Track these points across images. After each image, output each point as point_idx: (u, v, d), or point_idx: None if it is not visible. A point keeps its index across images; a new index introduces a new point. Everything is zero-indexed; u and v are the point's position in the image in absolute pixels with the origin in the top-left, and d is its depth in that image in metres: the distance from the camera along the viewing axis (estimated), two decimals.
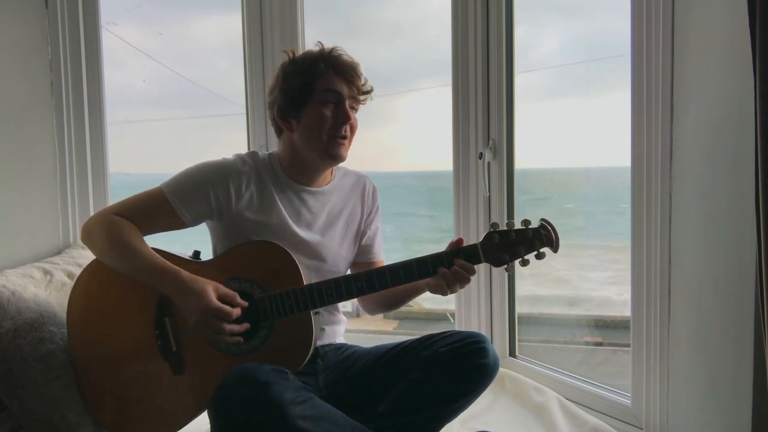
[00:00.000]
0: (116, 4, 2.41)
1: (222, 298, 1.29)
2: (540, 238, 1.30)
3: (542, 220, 1.32)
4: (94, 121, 2.07)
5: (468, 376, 1.36)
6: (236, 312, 1.28)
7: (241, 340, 1.30)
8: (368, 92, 1.48)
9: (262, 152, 1.51)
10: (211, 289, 1.28)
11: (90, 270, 1.42)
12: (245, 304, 1.32)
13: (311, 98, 1.40)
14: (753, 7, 0.97)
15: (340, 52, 1.44)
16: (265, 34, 2.13)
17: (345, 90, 1.42)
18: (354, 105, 1.46)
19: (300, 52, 1.50)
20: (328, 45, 1.45)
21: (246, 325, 1.30)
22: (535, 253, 1.31)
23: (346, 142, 1.45)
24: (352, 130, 1.46)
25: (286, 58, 1.48)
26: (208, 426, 1.23)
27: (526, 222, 1.31)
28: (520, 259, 1.31)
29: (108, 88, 2.09)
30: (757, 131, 0.95)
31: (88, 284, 1.41)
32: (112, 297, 1.39)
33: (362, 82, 1.46)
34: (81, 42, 2.02)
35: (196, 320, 1.27)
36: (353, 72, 1.43)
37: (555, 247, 1.30)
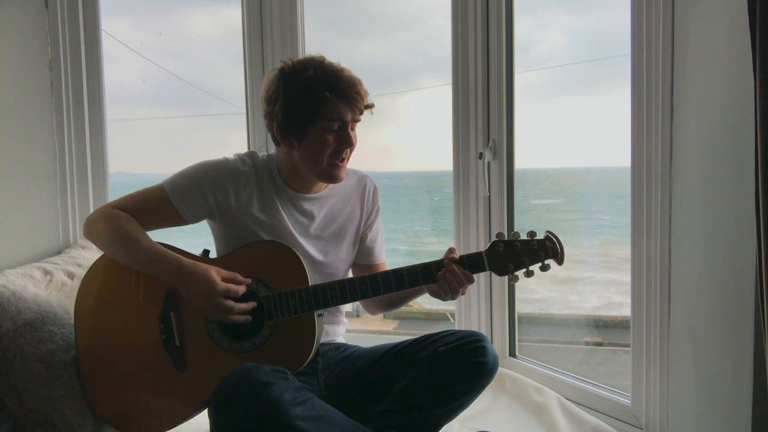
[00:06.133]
0: (116, 3, 2.41)
1: (225, 279, 1.32)
2: (545, 250, 1.30)
3: (548, 232, 1.33)
4: (94, 120, 2.07)
5: (467, 375, 1.36)
6: (242, 289, 1.32)
7: (250, 318, 1.32)
8: (370, 107, 1.43)
9: (261, 153, 1.51)
10: (214, 272, 1.31)
11: (100, 262, 1.43)
12: (248, 281, 1.34)
13: (314, 123, 1.37)
14: (753, 7, 0.97)
15: (343, 72, 1.38)
16: (265, 33, 2.13)
17: (349, 116, 1.38)
18: (355, 126, 1.43)
19: (300, 51, 1.49)
20: (330, 59, 1.41)
21: (253, 303, 1.33)
22: (540, 264, 1.31)
23: (345, 163, 1.44)
24: (351, 150, 1.44)
25: (286, 59, 1.45)
26: (209, 425, 1.24)
27: (531, 233, 1.32)
28: (524, 270, 1.32)
29: (108, 88, 2.10)
30: (757, 131, 0.95)
31: (97, 276, 1.42)
32: (121, 289, 1.40)
33: (365, 102, 1.41)
34: (81, 42, 2.02)
35: (204, 302, 1.29)
36: (357, 95, 1.38)
37: (560, 260, 1.30)
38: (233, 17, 2.22)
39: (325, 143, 1.38)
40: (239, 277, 1.34)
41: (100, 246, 1.41)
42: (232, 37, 2.23)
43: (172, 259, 1.33)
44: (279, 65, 1.42)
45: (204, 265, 1.32)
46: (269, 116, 1.43)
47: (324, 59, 1.41)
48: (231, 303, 1.29)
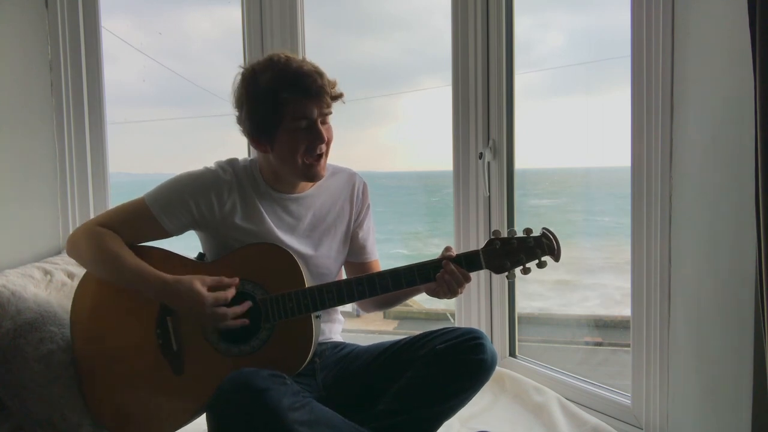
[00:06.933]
0: (116, 2, 2.41)
1: (211, 287, 1.31)
2: (541, 247, 1.30)
3: (544, 228, 1.33)
4: (94, 120, 2.07)
5: (466, 373, 1.35)
6: (230, 293, 1.31)
7: (247, 321, 1.32)
8: (338, 97, 1.38)
9: (242, 159, 1.50)
10: (199, 284, 1.30)
11: None
12: (236, 281, 1.33)
13: (281, 125, 1.34)
14: (753, 7, 0.97)
15: (302, 69, 1.32)
16: (265, 33, 2.13)
17: (315, 112, 1.34)
18: (326, 119, 1.39)
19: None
20: (286, 54, 1.36)
21: (248, 304, 1.32)
22: (537, 261, 1.31)
23: (322, 160, 1.41)
24: (328, 144, 1.41)
25: (250, 62, 1.40)
26: (207, 428, 1.23)
27: (528, 230, 1.32)
28: (521, 267, 1.32)
29: (108, 88, 2.10)
30: (757, 131, 0.95)
31: (92, 282, 1.41)
32: (116, 295, 1.39)
33: (331, 93, 1.36)
34: (81, 42, 2.03)
35: (196, 316, 1.30)
36: (321, 89, 1.33)
37: (556, 256, 1.30)
38: (233, 17, 2.22)
39: (297, 143, 1.35)
40: (225, 279, 1.32)
41: (83, 265, 1.40)
42: (232, 37, 2.23)
43: (155, 278, 1.31)
44: (241, 70, 1.39)
45: (187, 279, 1.30)
46: (239, 122, 1.41)
47: (283, 57, 1.35)
48: (223, 310, 1.29)
